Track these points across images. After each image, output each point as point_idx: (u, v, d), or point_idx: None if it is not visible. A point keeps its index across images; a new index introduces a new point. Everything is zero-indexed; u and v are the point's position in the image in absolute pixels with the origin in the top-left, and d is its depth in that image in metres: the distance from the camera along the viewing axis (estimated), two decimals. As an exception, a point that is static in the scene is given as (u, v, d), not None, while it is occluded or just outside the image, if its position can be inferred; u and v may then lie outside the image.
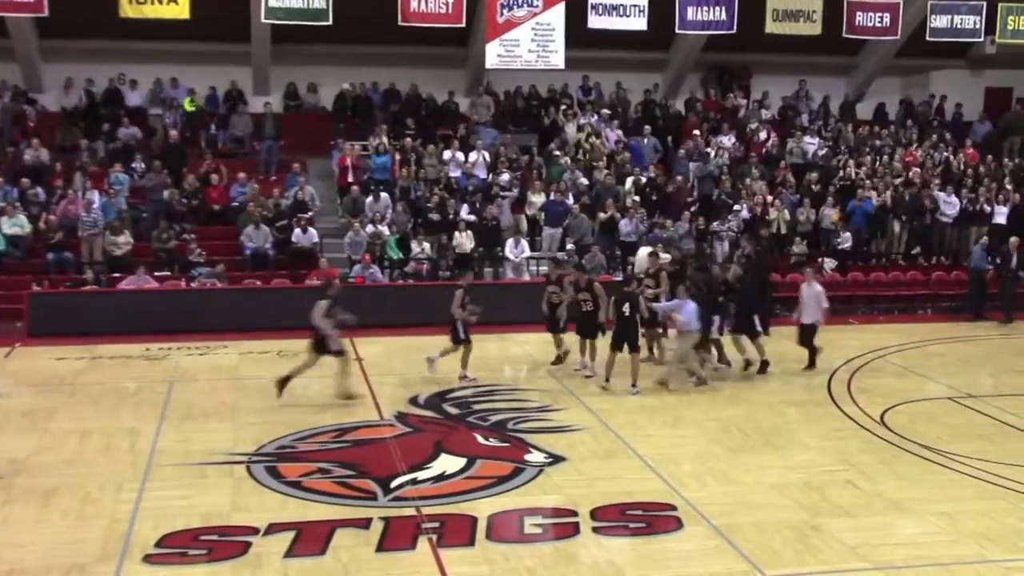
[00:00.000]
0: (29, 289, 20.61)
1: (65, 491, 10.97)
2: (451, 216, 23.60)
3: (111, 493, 10.90)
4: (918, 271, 24.62)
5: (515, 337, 19.17)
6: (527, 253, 23.40)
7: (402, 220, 23.55)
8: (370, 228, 23.11)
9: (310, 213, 23.77)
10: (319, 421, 13.80)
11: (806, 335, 17.06)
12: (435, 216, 23.67)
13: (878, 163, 27.11)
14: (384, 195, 23.99)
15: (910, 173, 26.30)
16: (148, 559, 9.29)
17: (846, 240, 24.45)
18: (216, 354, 18.24)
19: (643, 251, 19.54)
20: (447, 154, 25.70)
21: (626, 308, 15.14)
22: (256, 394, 15.29)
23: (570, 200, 24.52)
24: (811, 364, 16.99)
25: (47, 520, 10.22)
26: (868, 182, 25.91)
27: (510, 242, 23.41)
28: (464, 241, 23.10)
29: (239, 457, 12.20)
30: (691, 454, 12.44)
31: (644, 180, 25.42)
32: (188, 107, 26.81)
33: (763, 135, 28.10)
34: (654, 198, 24.93)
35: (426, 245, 22.98)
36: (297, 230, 22.91)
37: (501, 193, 24.55)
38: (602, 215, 23.98)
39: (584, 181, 25.25)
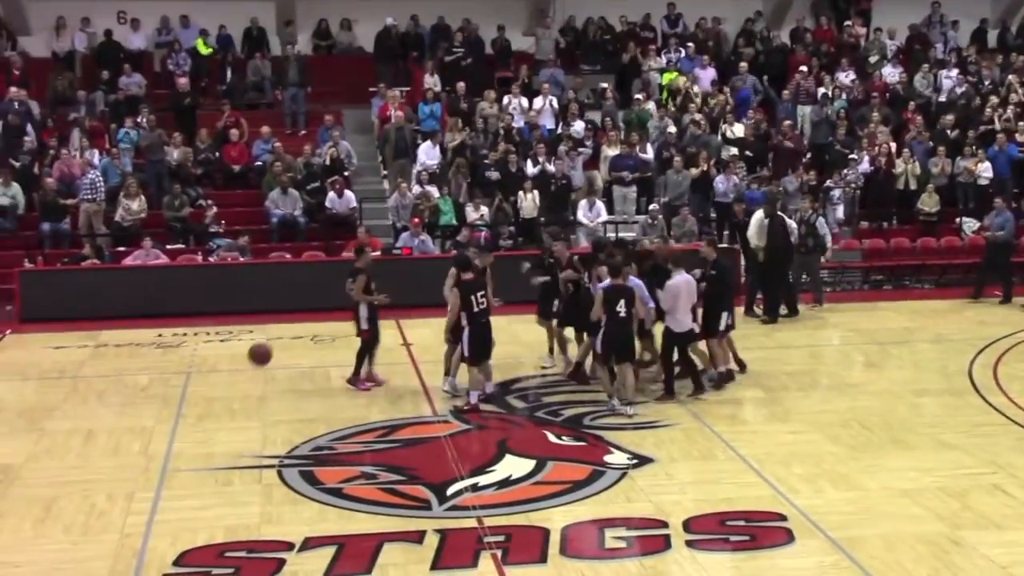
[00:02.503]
0: (20, 266, 20.93)
1: (67, 501, 11.13)
2: (514, 174, 23.70)
3: (121, 503, 11.05)
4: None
5: None
6: (604, 216, 23.40)
7: (454, 180, 23.62)
8: (417, 189, 23.22)
9: (346, 173, 23.94)
10: (362, 417, 13.91)
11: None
12: (494, 174, 23.71)
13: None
14: (431, 148, 24.11)
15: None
16: (165, 580, 9.44)
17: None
18: (240, 340, 18.39)
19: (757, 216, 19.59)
20: (507, 100, 25.72)
21: (620, 306, 13.98)
22: (287, 387, 15.45)
23: (649, 153, 24.41)
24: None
25: (47, 535, 10.37)
26: (1020, 124, 25.48)
27: (583, 204, 23.43)
28: (529, 203, 23.16)
29: (269, 460, 12.32)
30: (804, 454, 12.36)
31: (743, 128, 25.25)
32: (202, 50, 27.08)
33: (887, 71, 27.73)
34: (750, 153, 24.80)
35: (484, 209, 23.07)
36: (331, 194, 23.10)
37: (573, 146, 24.52)
38: (693, 171, 23.91)
39: (672, 130, 25.14)
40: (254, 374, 16.12)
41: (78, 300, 20.11)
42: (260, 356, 14.46)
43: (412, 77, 26.88)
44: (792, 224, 19.92)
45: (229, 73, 27.18)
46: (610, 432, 13.18)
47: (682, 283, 14.43)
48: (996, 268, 21.08)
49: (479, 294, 14.13)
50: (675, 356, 14.81)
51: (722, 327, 15.28)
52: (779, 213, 19.80)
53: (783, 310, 19.70)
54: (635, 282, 14.30)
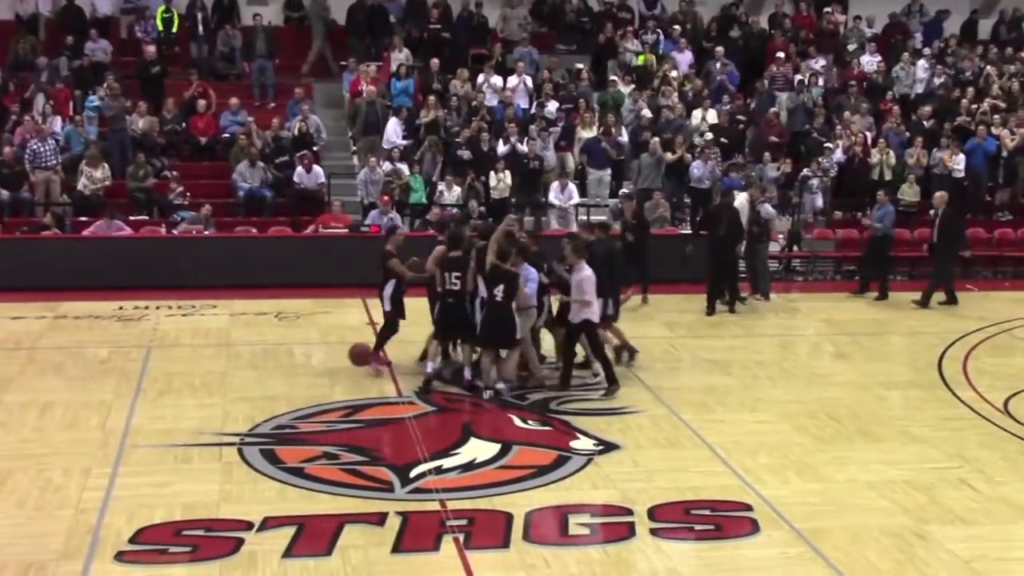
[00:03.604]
0: (-22, 235, 20.85)
1: (22, 476, 11.08)
2: (486, 153, 23.71)
3: (77, 478, 11.01)
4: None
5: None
6: (575, 199, 23.49)
7: (427, 158, 23.63)
8: (387, 166, 23.21)
9: (315, 148, 23.92)
10: (326, 396, 13.90)
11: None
12: (466, 153, 23.73)
13: (1013, 89, 26.79)
14: (398, 124, 24.10)
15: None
16: (121, 557, 9.37)
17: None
18: (202, 315, 18.42)
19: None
20: (481, 79, 25.75)
21: (498, 291, 13.77)
22: (250, 364, 15.45)
23: (624, 136, 24.47)
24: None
25: (0, 510, 10.32)
26: (996, 117, 25.66)
27: (555, 186, 23.50)
28: (500, 184, 23.19)
29: (229, 438, 12.30)
30: (771, 444, 12.42)
31: (720, 113, 25.30)
32: (162, 20, 26.72)
33: (865, 60, 27.84)
34: (725, 139, 24.93)
35: (455, 188, 23.08)
36: (300, 168, 23.07)
37: (547, 127, 24.58)
38: (669, 156, 23.97)
39: (647, 113, 25.16)
40: (216, 350, 16.18)
41: (37, 270, 20.03)
42: (358, 356, 14.51)
43: (385, 52, 26.76)
44: (770, 211, 20.12)
45: (195, 47, 26.80)
46: (577, 417, 13.21)
47: (591, 275, 14.09)
48: (875, 263, 20.96)
49: (454, 274, 14.12)
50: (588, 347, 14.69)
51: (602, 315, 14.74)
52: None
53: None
54: (530, 272, 14.10)
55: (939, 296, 20.14)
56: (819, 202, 23.69)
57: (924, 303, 19.82)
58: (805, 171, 24.16)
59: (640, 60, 27.19)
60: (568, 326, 14.35)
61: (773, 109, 25.57)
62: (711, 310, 19.12)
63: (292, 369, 15.23)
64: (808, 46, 28.19)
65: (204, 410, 13.34)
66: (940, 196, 20.78)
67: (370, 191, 22.87)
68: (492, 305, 13.70)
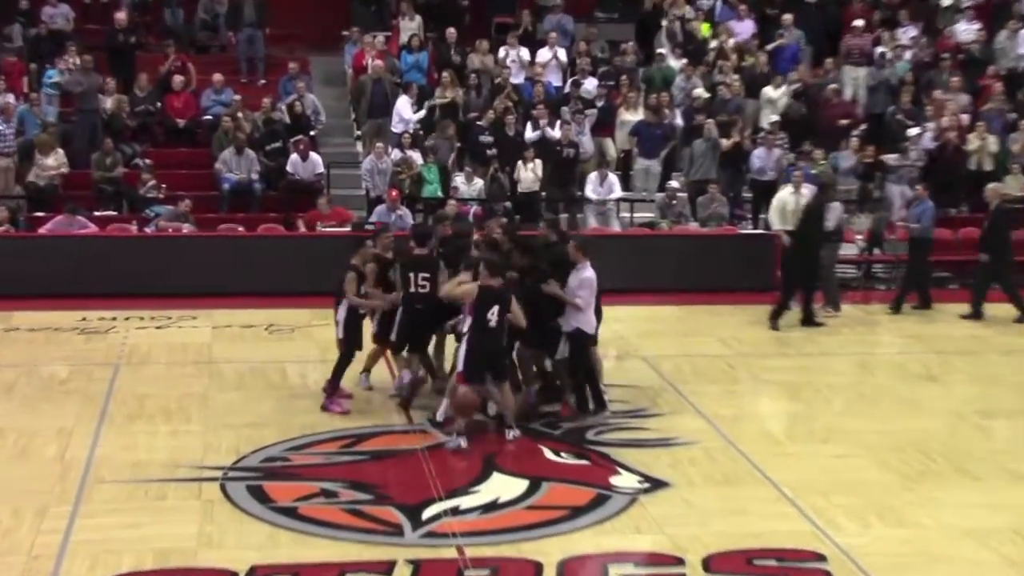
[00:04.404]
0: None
1: (-34, 514, 11.12)
2: (512, 139, 23.71)
3: (30, 519, 10.98)
4: None
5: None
6: (617, 193, 23.47)
7: (443, 145, 23.67)
8: (396, 154, 23.21)
9: (313, 132, 23.97)
10: (324, 424, 13.88)
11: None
12: (488, 138, 23.76)
13: None
14: (408, 103, 24.11)
15: None
16: (82, 611, 9.41)
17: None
18: (179, 327, 18.46)
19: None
20: (505, 52, 25.78)
21: (491, 315, 13.33)
22: (235, 385, 15.46)
23: (678, 119, 24.44)
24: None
25: (-60, 555, 10.35)
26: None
27: (593, 177, 23.49)
28: (529, 175, 23.20)
29: (211, 472, 12.28)
30: (848, 482, 12.36)
31: (786, 92, 25.28)
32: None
33: (961, 28, 27.68)
34: (793, 122, 24.80)
35: (476, 180, 23.10)
36: (294, 156, 23.10)
37: (582, 108, 24.57)
38: (724, 142, 23.94)
39: (702, 92, 25.14)
40: (195, 368, 16.22)
41: (-15, 274, 20.07)
42: (463, 407, 13.53)
43: (393, 20, 26.77)
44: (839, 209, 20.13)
45: (169, 13, 26.79)
46: (619, 449, 13.18)
47: (592, 277, 14.16)
48: (913, 270, 20.90)
49: (421, 274, 14.09)
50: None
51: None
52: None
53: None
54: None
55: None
56: (903, 195, 23.48)
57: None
58: (888, 160, 24.01)
59: (704, 31, 27.11)
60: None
61: (833, 86, 25.41)
62: (778, 320, 19.11)
63: (285, 392, 15.24)
64: (893, 13, 28.03)
65: (181, 439, 13.32)
66: (994, 189, 20.79)
67: (376, 183, 22.90)
68: (483, 332, 13.27)
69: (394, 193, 21.99)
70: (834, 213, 19.91)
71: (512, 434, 13.41)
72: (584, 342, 14.23)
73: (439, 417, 13.86)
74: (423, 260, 14.22)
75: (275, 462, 12.72)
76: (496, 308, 13.18)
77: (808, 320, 19.17)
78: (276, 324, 18.52)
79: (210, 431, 13.58)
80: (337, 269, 14.80)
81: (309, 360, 16.16)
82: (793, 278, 19.35)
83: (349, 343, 14.62)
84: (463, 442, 13.10)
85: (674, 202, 22.65)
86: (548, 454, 13.07)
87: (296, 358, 16.76)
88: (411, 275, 14.12)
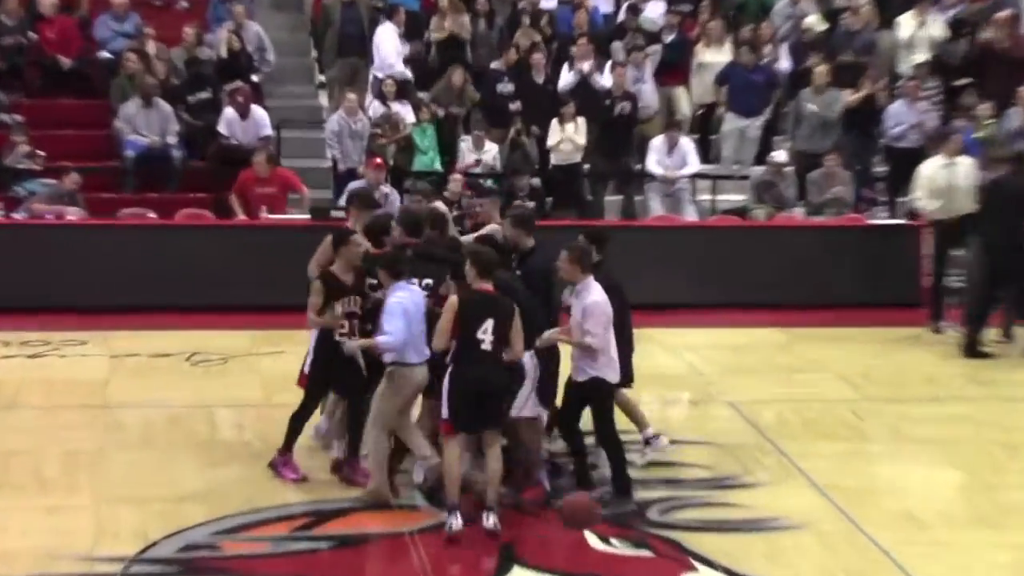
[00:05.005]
0: None
1: None
2: (542, 88, 23.80)
3: None
4: None
5: (665, 334, 19.21)
6: (693, 166, 23.51)
7: (442, 95, 23.77)
8: (376, 108, 23.35)
9: (256, 77, 24.13)
10: (270, 496, 13.80)
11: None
12: (507, 87, 23.82)
13: None
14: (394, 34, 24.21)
15: None
16: None
17: None
18: (63, 357, 18.50)
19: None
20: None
21: (484, 333, 13.09)
22: (142, 439, 15.43)
23: (783, 60, 24.41)
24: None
25: None
26: None
27: (658, 143, 23.44)
28: (567, 137, 23.22)
29: (105, 566, 12.20)
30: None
31: (939, 21, 25.31)
32: None
33: None
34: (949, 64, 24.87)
35: (490, 147, 23.16)
36: (229, 111, 23.19)
37: (643, 45, 24.61)
38: (849, 94, 23.97)
39: (816, 22, 25.14)
40: (84, 415, 16.17)
41: None
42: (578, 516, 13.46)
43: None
44: None
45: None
46: (694, 534, 13.12)
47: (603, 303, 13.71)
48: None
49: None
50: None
51: None
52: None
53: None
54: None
55: None
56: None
57: None
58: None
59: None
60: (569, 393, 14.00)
61: (1006, 13, 25.25)
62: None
63: (213, 449, 15.18)
64: None
65: (63, 518, 13.20)
66: None
67: (348, 150, 22.92)
68: (472, 359, 13.04)
69: (377, 162, 21.74)
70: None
71: (491, 520, 12.92)
72: (606, 397, 13.96)
73: (420, 477, 13.79)
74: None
75: (200, 551, 12.63)
76: (490, 323, 12.94)
77: (971, 349, 19.12)
78: (202, 352, 18.51)
79: (105, 507, 13.44)
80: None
81: (249, 403, 16.18)
82: (995, 285, 19.37)
83: (315, 380, 14.38)
84: (455, 522, 12.83)
85: (777, 180, 22.56)
86: (593, 541, 12.92)
87: (230, 400, 16.81)
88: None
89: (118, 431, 15.71)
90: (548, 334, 13.53)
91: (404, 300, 13.03)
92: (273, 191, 21.64)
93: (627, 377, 14.40)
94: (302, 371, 14.32)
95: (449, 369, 12.93)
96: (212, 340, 18.89)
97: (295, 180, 22.02)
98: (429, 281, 13.63)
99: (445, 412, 12.92)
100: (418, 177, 22.68)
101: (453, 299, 12.87)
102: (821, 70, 23.89)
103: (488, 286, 12.90)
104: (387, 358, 13.19)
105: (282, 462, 14.25)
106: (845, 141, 23.77)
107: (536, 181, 22.70)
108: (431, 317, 13.13)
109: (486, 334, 12.83)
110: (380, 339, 13.06)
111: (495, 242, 14.00)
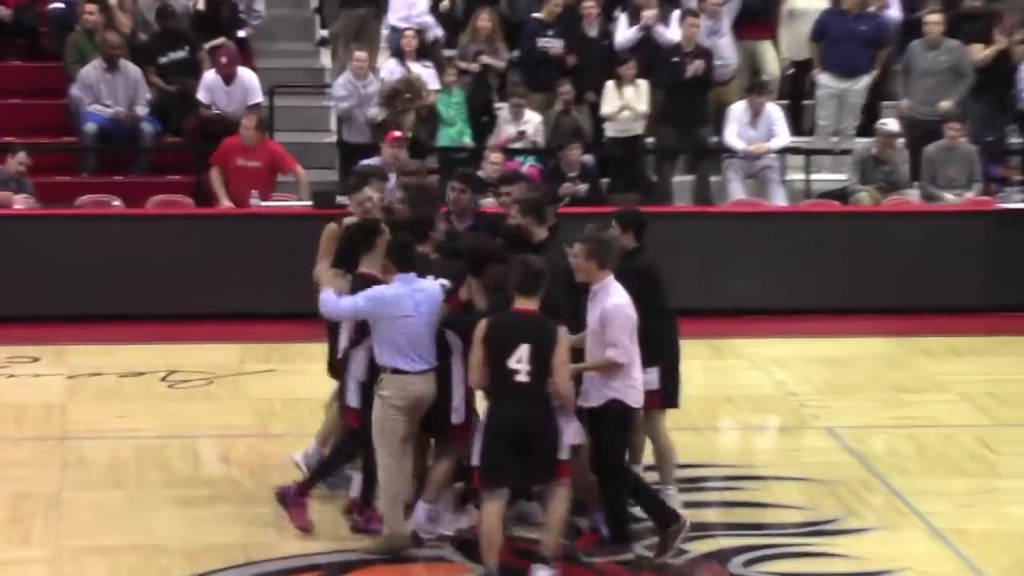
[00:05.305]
0: None
1: None
2: (594, 43, 23.69)
3: None
4: None
5: (749, 346, 19.35)
6: (783, 139, 23.36)
7: (473, 51, 23.67)
8: (393, 68, 23.22)
9: (243, 33, 24.12)
10: (265, 548, 13.65)
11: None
12: (553, 42, 23.61)
13: None
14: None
15: None
16: None
17: None
18: (12, 377, 18.49)
19: None
20: None
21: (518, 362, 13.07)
22: (108, 476, 15.34)
23: (893, 8, 24.46)
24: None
25: None
26: None
27: (739, 110, 23.31)
28: (627, 104, 23.04)
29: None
30: None
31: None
32: None
33: None
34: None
35: (532, 116, 22.96)
36: (210, 75, 23.17)
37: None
38: (977, 50, 23.74)
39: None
40: (37, 448, 16.14)
41: None
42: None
43: None
44: None
45: None
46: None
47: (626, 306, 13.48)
48: None
49: None
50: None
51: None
52: None
53: None
54: None
55: None
56: None
57: None
58: None
59: None
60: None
61: None
62: None
63: (196, 488, 15.04)
64: None
65: (14, 572, 13.15)
66: None
67: (357, 119, 22.81)
68: (507, 391, 12.97)
69: (396, 134, 21.59)
70: None
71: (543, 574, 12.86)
72: (628, 425, 13.66)
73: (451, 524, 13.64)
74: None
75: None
76: (525, 350, 12.69)
77: None
78: (179, 370, 18.43)
79: (66, 560, 13.40)
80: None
81: (236, 434, 16.09)
82: None
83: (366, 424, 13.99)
84: None
85: (886, 155, 22.20)
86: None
87: (215, 430, 16.73)
88: None
89: (79, 468, 15.62)
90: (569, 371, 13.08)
91: (387, 290, 12.99)
92: (258, 165, 21.70)
93: (670, 396, 14.31)
94: (344, 404, 14.07)
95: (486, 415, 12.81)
96: (192, 356, 18.91)
97: (286, 157, 21.97)
98: (446, 282, 13.38)
99: (476, 459, 12.78)
100: (444, 154, 22.80)
101: (481, 324, 12.67)
102: (936, 18, 23.65)
103: (530, 305, 12.62)
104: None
105: (297, 500, 14.02)
106: (973, 108, 23.56)
107: (588, 158, 22.44)
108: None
109: (521, 363, 12.58)
110: (322, 294, 13.21)
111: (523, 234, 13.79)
